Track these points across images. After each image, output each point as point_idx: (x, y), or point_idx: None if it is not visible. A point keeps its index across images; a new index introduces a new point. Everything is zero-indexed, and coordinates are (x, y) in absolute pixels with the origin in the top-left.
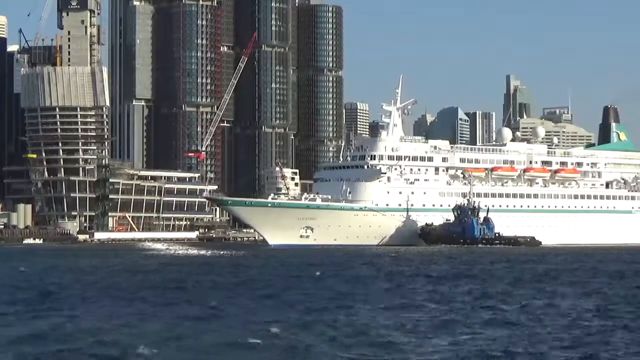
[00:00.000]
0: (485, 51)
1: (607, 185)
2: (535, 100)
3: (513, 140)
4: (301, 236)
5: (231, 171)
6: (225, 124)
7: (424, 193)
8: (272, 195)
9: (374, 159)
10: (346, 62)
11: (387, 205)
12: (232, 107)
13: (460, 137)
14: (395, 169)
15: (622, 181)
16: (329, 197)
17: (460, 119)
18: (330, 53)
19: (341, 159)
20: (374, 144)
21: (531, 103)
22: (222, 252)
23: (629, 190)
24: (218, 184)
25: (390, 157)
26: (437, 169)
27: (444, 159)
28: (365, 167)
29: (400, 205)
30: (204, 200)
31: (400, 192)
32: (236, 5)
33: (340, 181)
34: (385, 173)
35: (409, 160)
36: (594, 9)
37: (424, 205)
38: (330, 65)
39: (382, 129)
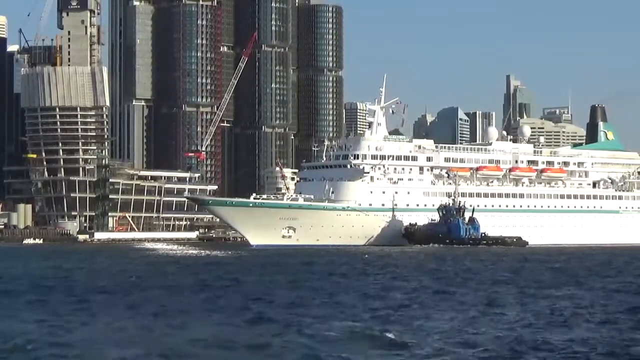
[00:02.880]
0: (485, 51)
1: (594, 185)
2: (535, 100)
3: (500, 139)
4: (283, 236)
5: (231, 171)
6: (225, 124)
7: (408, 193)
8: (254, 195)
9: (357, 158)
10: (346, 62)
11: (370, 205)
12: (232, 107)
13: (460, 137)
14: (379, 168)
15: (609, 181)
16: (312, 196)
17: (461, 119)
18: (330, 53)
19: (324, 158)
20: (358, 143)
21: (531, 103)
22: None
23: (616, 190)
24: (218, 184)
25: (374, 157)
26: (421, 169)
27: (428, 159)
28: (349, 166)
29: (383, 205)
30: None
31: (383, 192)
32: (236, 5)
33: (323, 181)
34: (368, 172)
35: (392, 159)
36: (594, 8)
37: (407, 205)
38: (330, 65)
39: (367, 128)
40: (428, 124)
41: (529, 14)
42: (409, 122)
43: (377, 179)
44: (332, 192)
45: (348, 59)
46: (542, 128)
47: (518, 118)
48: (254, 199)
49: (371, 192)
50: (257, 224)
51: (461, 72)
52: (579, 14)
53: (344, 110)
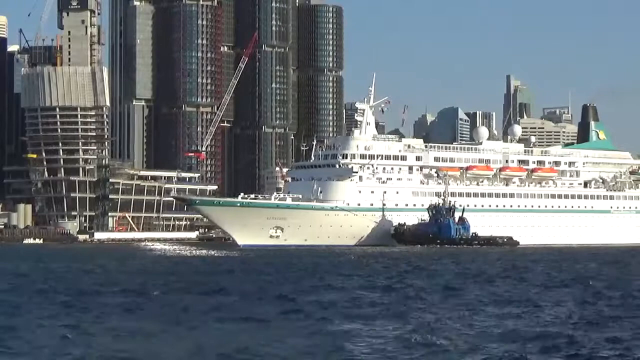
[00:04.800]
0: (485, 51)
1: (586, 184)
2: (535, 100)
3: (490, 139)
4: (271, 236)
5: (231, 171)
6: (225, 124)
7: (397, 192)
8: (241, 194)
9: (346, 157)
10: (346, 62)
11: (359, 205)
12: (232, 107)
13: (460, 137)
14: (368, 167)
15: (601, 180)
16: (300, 196)
17: (461, 119)
18: (330, 53)
19: (313, 157)
20: (346, 143)
21: (531, 103)
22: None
23: (607, 190)
24: (218, 184)
25: (363, 156)
26: (410, 168)
27: (417, 158)
28: (337, 166)
29: (372, 205)
30: None
31: (372, 192)
32: (236, 5)
33: (311, 180)
34: (357, 172)
35: (381, 159)
36: (594, 8)
37: (397, 205)
38: (330, 65)
39: (356, 127)
40: (428, 124)
41: (528, 13)
42: (409, 122)
43: (366, 178)
44: (321, 192)
45: (348, 59)
46: (542, 128)
47: (518, 118)
48: (242, 198)
49: (360, 192)
50: (244, 223)
51: (461, 72)
52: (580, 13)
53: (344, 110)
